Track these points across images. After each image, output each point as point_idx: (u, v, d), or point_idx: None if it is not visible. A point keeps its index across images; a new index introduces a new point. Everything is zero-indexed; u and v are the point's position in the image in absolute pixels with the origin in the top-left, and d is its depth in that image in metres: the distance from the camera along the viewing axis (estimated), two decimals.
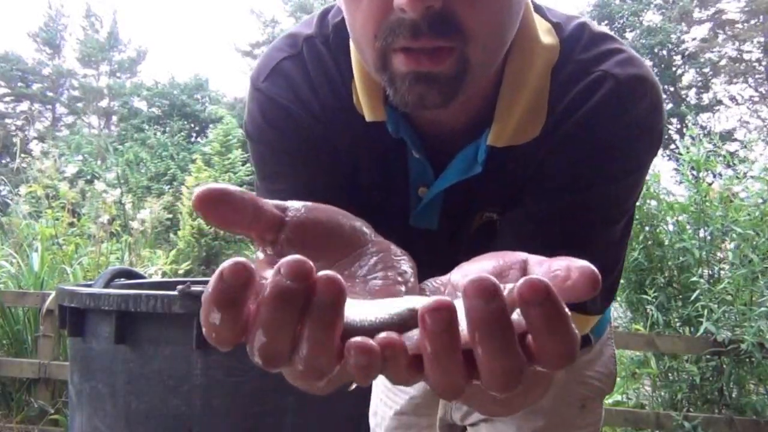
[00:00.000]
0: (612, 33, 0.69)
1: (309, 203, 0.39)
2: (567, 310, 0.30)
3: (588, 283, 0.32)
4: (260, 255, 0.38)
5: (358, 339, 0.30)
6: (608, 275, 0.66)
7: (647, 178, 3.02)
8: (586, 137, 0.62)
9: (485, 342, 0.29)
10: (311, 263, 0.29)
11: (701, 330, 2.65)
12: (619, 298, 3.16)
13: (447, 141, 0.67)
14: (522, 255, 0.37)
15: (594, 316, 0.71)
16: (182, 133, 22.11)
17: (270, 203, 0.36)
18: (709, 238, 2.93)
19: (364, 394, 1.50)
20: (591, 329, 0.80)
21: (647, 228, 2.99)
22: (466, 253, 0.64)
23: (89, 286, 1.99)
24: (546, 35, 0.65)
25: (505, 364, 0.30)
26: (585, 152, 0.62)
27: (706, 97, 22.74)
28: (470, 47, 0.54)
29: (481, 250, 0.58)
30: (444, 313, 0.29)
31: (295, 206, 0.38)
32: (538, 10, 0.68)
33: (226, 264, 0.30)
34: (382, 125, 0.66)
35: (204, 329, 0.32)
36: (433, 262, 0.66)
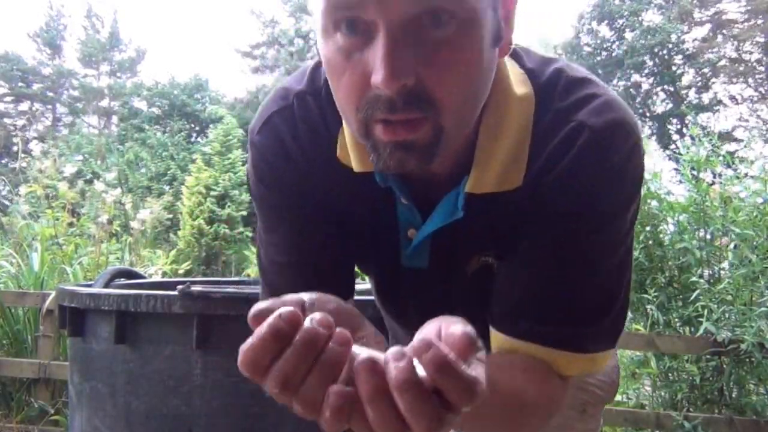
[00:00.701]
0: (590, 75, 0.69)
1: (315, 295, 0.47)
2: (452, 356, 0.38)
3: (463, 342, 0.40)
4: None
5: (336, 386, 0.40)
6: (607, 312, 0.70)
7: (648, 178, 3.03)
8: (570, 189, 0.65)
9: (401, 394, 0.38)
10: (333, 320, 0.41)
11: (701, 330, 2.65)
12: None
13: (432, 187, 0.70)
14: (445, 320, 0.44)
15: (603, 353, 0.72)
16: (182, 133, 22.09)
17: (292, 300, 0.45)
18: (709, 238, 2.93)
19: None
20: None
21: (648, 228, 2.99)
22: (465, 292, 0.76)
23: (89, 286, 1.98)
24: (520, 86, 0.67)
25: (417, 409, 0.38)
26: (570, 203, 0.65)
27: (706, 97, 22.72)
28: (443, 116, 0.58)
29: (477, 292, 0.71)
30: (369, 363, 0.39)
31: (308, 300, 0.46)
32: (514, 54, 0.70)
33: (284, 310, 0.41)
34: (370, 175, 0.69)
35: (245, 356, 0.42)
36: (429, 298, 0.78)
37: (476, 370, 0.40)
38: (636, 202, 0.69)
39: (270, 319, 0.41)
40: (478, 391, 0.39)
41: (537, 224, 0.67)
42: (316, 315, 0.42)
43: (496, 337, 0.71)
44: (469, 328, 0.41)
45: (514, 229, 0.69)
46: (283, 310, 0.41)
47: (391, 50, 0.54)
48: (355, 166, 0.71)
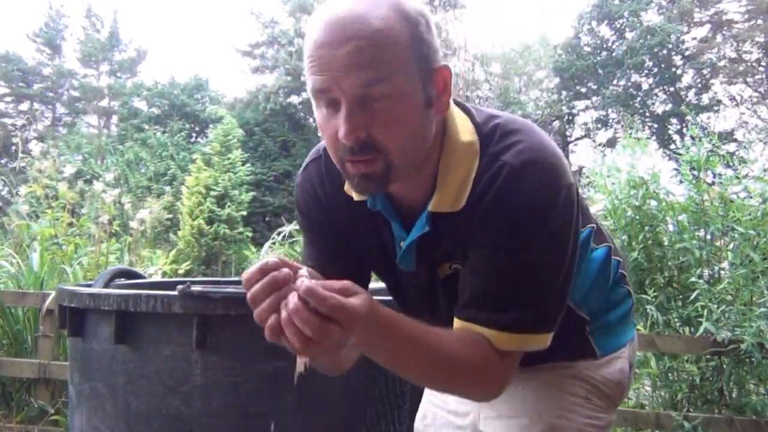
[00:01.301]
0: (523, 126, 0.93)
1: (308, 270, 0.76)
2: (313, 284, 0.69)
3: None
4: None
5: (275, 314, 0.71)
6: (533, 304, 0.91)
7: (647, 178, 3.03)
8: (498, 213, 0.88)
9: (294, 318, 0.68)
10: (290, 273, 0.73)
11: (701, 330, 2.65)
12: None
13: (412, 209, 0.97)
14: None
15: (533, 335, 0.92)
16: (182, 133, 22.06)
17: (292, 263, 0.75)
18: (709, 238, 2.93)
19: (364, 398, 1.50)
20: (598, 345, 1.08)
21: (647, 228, 2.99)
22: (443, 293, 1.02)
23: (89, 286, 1.98)
24: (467, 134, 0.93)
25: (306, 324, 0.68)
26: (499, 225, 0.88)
27: (706, 97, 22.72)
28: (391, 156, 0.86)
29: (452, 292, 0.96)
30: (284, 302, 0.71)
31: (303, 269, 0.74)
32: (467, 111, 0.97)
33: (272, 261, 0.73)
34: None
35: (245, 277, 0.72)
36: (418, 296, 1.06)
37: (352, 300, 0.71)
38: (555, 222, 0.88)
39: (262, 262, 0.73)
40: (335, 304, 0.69)
41: (477, 238, 0.91)
42: (283, 271, 0.72)
43: (455, 321, 0.95)
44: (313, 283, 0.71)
45: (465, 241, 0.93)
46: (272, 261, 0.73)
47: (348, 116, 0.83)
48: (355, 196, 0.99)
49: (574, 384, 1.06)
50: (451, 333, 0.93)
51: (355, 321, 0.71)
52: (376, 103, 0.83)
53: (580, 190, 0.98)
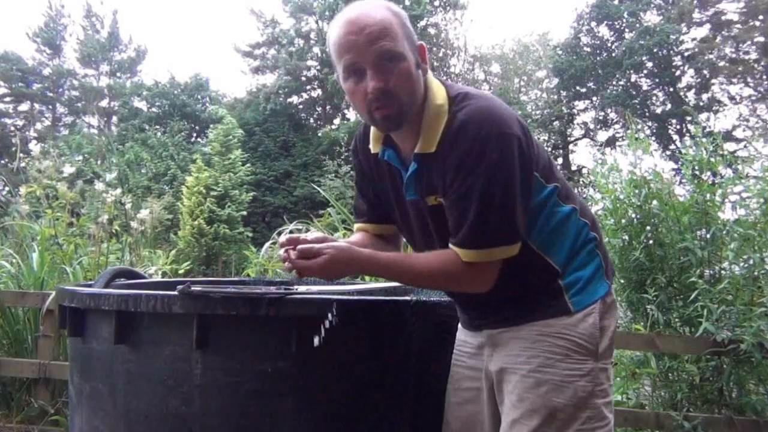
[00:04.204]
0: (476, 92, 1.29)
1: (321, 235, 1.35)
2: (290, 238, 1.29)
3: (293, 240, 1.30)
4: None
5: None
6: (482, 225, 1.23)
7: (649, 177, 3.03)
8: (452, 156, 1.25)
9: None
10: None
11: (701, 330, 2.65)
12: (619, 298, 3.16)
13: (408, 157, 1.36)
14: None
15: (475, 251, 1.25)
16: (182, 133, 22.06)
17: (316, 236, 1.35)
18: (710, 238, 2.92)
19: (366, 398, 1.50)
20: (573, 302, 1.30)
21: (648, 228, 2.99)
22: (431, 219, 1.37)
23: (89, 286, 1.98)
24: (440, 99, 1.30)
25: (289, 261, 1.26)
26: (452, 164, 1.25)
27: (706, 97, 22.71)
28: (402, 99, 1.26)
29: (438, 219, 1.33)
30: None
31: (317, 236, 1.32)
32: (446, 83, 1.34)
33: (292, 236, 1.30)
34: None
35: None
36: (417, 222, 1.41)
37: (322, 252, 1.24)
38: (490, 157, 1.20)
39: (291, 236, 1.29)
40: (291, 259, 1.25)
41: (444, 174, 1.27)
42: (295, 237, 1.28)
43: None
44: (308, 236, 1.29)
45: (439, 177, 1.29)
46: (292, 236, 1.28)
47: (374, 74, 1.24)
48: (372, 149, 1.44)
49: (555, 343, 1.29)
50: (429, 253, 1.34)
51: (308, 268, 1.24)
52: (390, 63, 1.24)
53: (532, 149, 1.28)
